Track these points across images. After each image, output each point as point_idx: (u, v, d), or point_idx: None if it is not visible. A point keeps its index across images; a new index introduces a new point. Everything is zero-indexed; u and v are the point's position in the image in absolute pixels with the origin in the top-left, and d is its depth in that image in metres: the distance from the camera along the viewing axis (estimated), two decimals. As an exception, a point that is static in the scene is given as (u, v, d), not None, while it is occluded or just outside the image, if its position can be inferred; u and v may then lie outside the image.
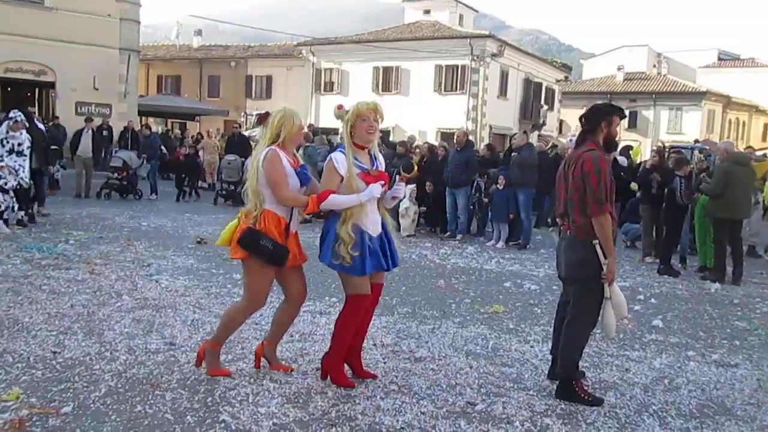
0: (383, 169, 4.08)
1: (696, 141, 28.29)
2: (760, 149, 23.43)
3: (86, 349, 4.40)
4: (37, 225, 9.62)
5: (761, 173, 9.08)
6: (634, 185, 10.14)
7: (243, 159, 13.56)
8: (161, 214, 12.15)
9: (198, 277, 6.92)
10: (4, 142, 8.91)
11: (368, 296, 3.93)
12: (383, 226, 4.02)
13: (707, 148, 24.89)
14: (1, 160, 8.72)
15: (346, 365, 4.10)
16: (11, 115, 9.18)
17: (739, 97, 42.35)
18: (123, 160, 14.32)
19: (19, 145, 8.99)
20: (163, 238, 9.44)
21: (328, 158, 3.99)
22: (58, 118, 19.00)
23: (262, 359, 4.23)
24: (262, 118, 4.06)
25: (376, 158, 4.02)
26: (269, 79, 34.62)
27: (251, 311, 4.14)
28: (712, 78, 44.58)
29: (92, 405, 3.53)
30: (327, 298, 6.19)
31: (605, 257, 3.87)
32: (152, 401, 3.62)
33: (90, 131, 14.27)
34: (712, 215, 8.43)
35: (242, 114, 31.78)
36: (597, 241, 3.87)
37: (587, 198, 3.86)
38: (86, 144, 13.97)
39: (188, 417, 3.46)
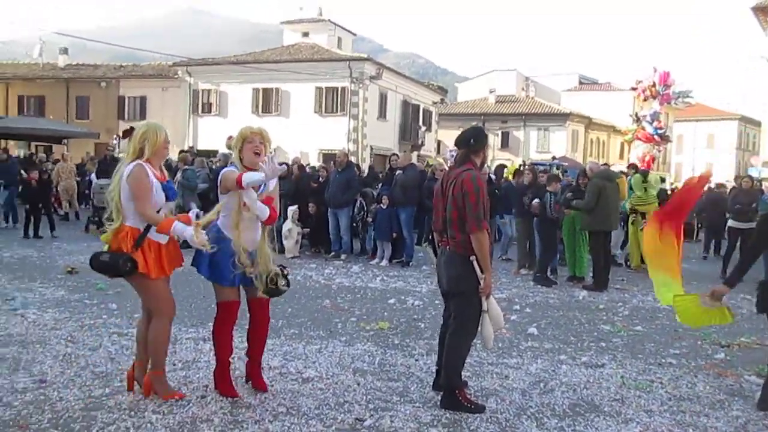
0: (270, 192, 4.18)
1: (554, 158, 30.30)
2: (613, 165, 25.31)
3: (-58, 394, 4.03)
4: None
5: (622, 189, 9.93)
6: None
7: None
8: (26, 244, 11.35)
9: (69, 308, 6.52)
10: None
11: (235, 303, 4.16)
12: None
13: (564, 164, 26.77)
14: None
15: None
16: None
17: (598, 118, 45.77)
18: None
19: None
20: (29, 269, 8.81)
21: (223, 171, 4.12)
22: None
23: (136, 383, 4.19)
24: (127, 133, 4.02)
25: (265, 183, 4.10)
26: (143, 99, 33.30)
27: (167, 322, 4.05)
28: (574, 100, 47.96)
29: (-49, 453, 3.25)
30: (210, 323, 6.01)
31: (482, 272, 4.07)
32: (21, 443, 3.38)
33: None
34: (588, 228, 9.08)
35: (114, 136, 30.33)
36: (474, 257, 4.06)
37: (466, 215, 4.04)
38: None
39: (62, 457, 3.26)
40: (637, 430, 3.94)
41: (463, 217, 4.06)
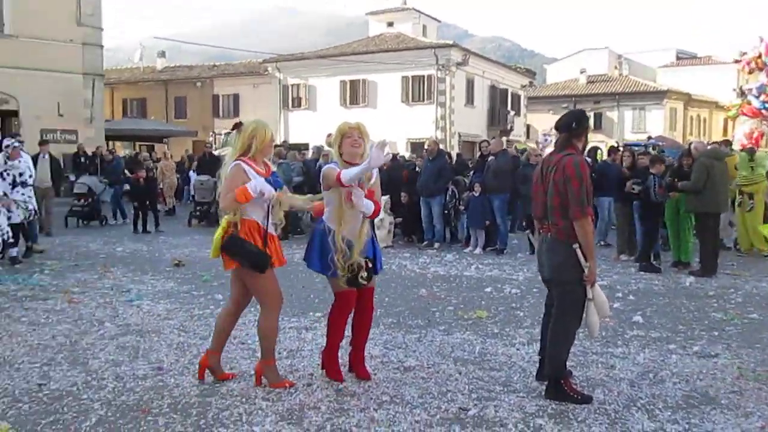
0: (371, 186, 4.26)
1: (649, 138, 28.83)
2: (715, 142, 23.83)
3: (72, 379, 4.34)
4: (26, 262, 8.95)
5: (730, 168, 9.37)
6: None
7: (215, 179, 13.39)
8: (136, 239, 12.02)
9: (179, 300, 6.87)
10: (5, 174, 8.37)
11: (352, 292, 4.25)
12: (372, 237, 4.35)
13: (660, 144, 25.39)
14: (6, 196, 8.24)
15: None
16: (6, 142, 8.69)
17: (699, 95, 43.40)
18: (88, 186, 13.90)
19: (21, 174, 8.53)
20: (140, 262, 9.34)
21: (324, 168, 4.28)
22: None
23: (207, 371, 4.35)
24: (236, 126, 4.21)
25: (364, 178, 4.19)
26: (236, 97, 34.52)
27: (276, 313, 4.22)
28: (671, 77, 45.66)
29: (84, 435, 3.49)
30: (311, 313, 6.19)
31: (586, 260, 3.95)
32: (145, 427, 3.59)
33: (47, 156, 12.02)
34: (695, 211, 8.65)
35: (210, 133, 31.61)
36: (577, 245, 3.94)
37: (569, 201, 3.93)
38: (44, 171, 11.64)
39: (183, 440, 3.44)
40: (759, 425, 3.72)
41: (565, 203, 3.95)
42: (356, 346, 4.45)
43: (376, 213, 4.24)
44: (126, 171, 16.15)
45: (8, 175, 8.43)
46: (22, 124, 21.34)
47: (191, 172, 18.14)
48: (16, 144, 8.64)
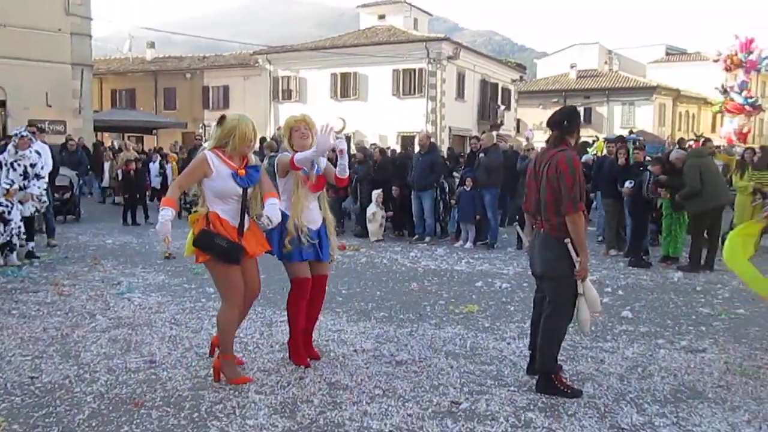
0: (323, 172, 4.57)
1: (630, 132, 28.86)
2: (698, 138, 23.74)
3: (64, 372, 4.34)
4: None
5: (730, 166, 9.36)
6: None
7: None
8: (125, 231, 11.97)
9: (171, 293, 6.86)
10: (15, 165, 8.01)
11: (308, 279, 4.47)
12: (323, 224, 4.59)
13: (641, 138, 25.47)
14: (11, 185, 7.95)
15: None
16: (15, 131, 8.42)
17: (687, 90, 43.63)
18: (69, 178, 13.28)
19: (32, 166, 8.13)
20: (130, 254, 9.31)
21: (277, 158, 4.58)
22: (10, 137, 18.36)
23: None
24: (221, 120, 4.18)
25: (316, 164, 4.51)
26: (226, 89, 34.28)
27: (236, 308, 4.19)
28: (661, 73, 45.88)
29: (77, 428, 3.49)
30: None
31: (578, 255, 3.99)
32: (138, 420, 3.60)
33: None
34: (701, 211, 8.58)
35: (200, 126, 31.45)
36: (569, 240, 3.98)
37: (561, 197, 3.97)
38: None
39: (177, 433, 3.45)
40: (745, 418, 3.79)
41: (558, 199, 3.99)
42: (306, 329, 4.65)
43: (343, 183, 4.64)
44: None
45: (19, 165, 8.08)
46: (9, 114, 21.08)
47: (150, 164, 17.83)
48: (24, 133, 8.29)
